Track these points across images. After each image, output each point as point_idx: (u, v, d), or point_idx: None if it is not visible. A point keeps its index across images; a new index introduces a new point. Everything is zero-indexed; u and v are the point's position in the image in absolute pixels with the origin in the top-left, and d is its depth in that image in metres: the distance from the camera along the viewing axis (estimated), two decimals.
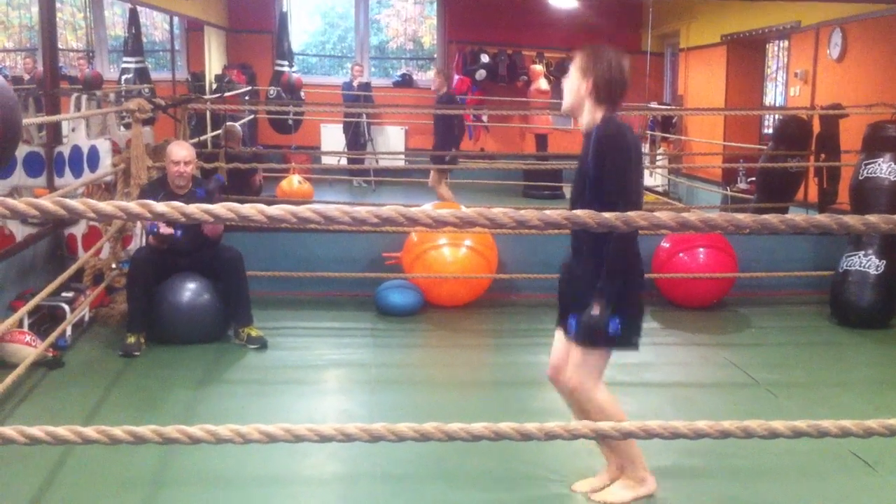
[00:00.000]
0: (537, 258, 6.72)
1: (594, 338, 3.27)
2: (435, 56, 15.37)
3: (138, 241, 6.23)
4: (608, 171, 3.23)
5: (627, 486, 3.54)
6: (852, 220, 1.82)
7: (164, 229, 5.47)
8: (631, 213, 1.80)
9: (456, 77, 13.99)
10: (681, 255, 6.74)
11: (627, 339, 3.32)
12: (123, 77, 11.87)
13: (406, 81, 15.49)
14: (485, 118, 14.05)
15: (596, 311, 3.21)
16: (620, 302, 3.25)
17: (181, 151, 5.60)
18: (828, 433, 2.01)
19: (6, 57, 13.02)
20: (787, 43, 11.32)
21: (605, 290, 3.21)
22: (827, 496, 3.71)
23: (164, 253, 5.54)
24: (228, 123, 9.84)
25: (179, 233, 5.51)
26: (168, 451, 3.82)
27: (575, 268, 3.42)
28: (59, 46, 10.29)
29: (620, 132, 3.27)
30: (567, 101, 3.40)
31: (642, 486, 3.53)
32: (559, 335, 3.55)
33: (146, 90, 11.12)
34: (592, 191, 3.29)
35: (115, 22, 14.19)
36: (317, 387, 5.10)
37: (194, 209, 1.71)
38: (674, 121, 13.27)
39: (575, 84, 3.35)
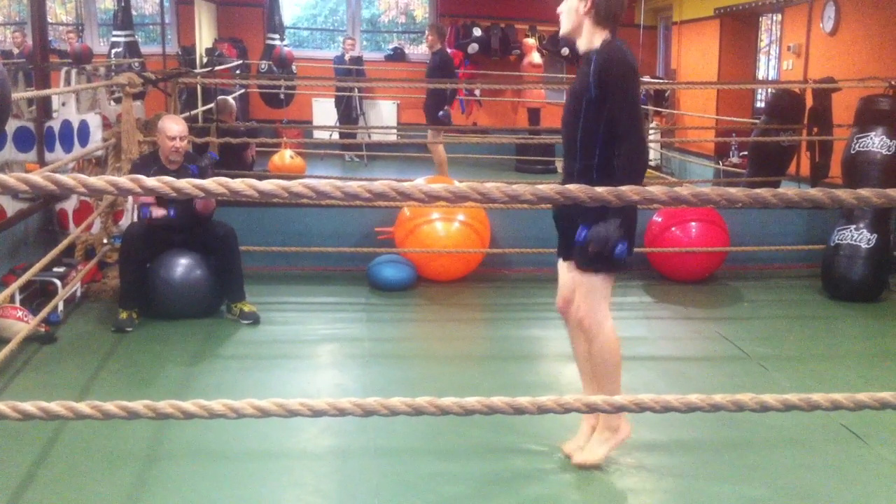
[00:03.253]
0: (530, 233, 6.73)
1: (601, 259, 3.28)
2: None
3: (130, 216, 6.21)
4: (613, 96, 3.23)
5: (602, 441, 3.60)
6: (844, 193, 1.82)
7: (157, 212, 5.46)
8: (624, 188, 1.80)
9: (448, 50, 13.90)
10: (673, 229, 6.75)
11: (625, 260, 3.34)
12: (113, 51, 11.81)
13: (398, 55, 15.39)
14: (477, 92, 13.99)
15: (605, 227, 3.21)
16: (627, 222, 3.27)
17: (176, 127, 5.54)
18: (819, 406, 2.02)
19: None
20: (780, 16, 11.29)
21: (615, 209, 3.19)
22: (818, 468, 3.73)
23: (156, 229, 5.52)
24: (221, 97, 9.76)
25: (173, 212, 5.49)
26: (161, 426, 3.83)
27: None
28: (49, 20, 10.20)
29: (622, 55, 3.28)
30: (565, 24, 3.40)
31: (616, 434, 3.59)
32: (564, 267, 3.57)
33: (136, 64, 11.06)
34: (592, 111, 3.28)
35: None
36: (310, 361, 5.10)
37: (185, 184, 1.70)
38: (666, 94, 13.24)
39: (573, 4, 3.35)
